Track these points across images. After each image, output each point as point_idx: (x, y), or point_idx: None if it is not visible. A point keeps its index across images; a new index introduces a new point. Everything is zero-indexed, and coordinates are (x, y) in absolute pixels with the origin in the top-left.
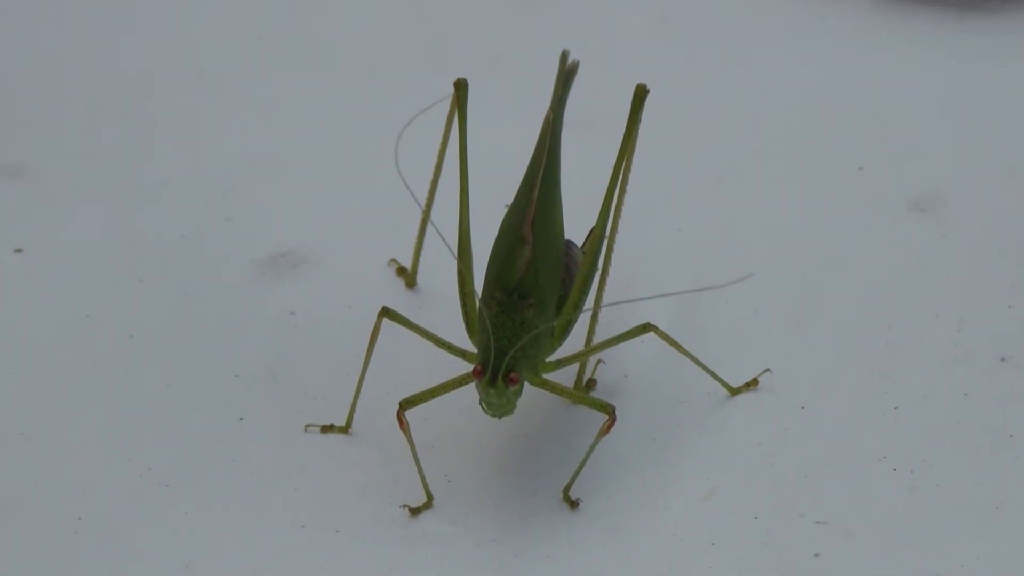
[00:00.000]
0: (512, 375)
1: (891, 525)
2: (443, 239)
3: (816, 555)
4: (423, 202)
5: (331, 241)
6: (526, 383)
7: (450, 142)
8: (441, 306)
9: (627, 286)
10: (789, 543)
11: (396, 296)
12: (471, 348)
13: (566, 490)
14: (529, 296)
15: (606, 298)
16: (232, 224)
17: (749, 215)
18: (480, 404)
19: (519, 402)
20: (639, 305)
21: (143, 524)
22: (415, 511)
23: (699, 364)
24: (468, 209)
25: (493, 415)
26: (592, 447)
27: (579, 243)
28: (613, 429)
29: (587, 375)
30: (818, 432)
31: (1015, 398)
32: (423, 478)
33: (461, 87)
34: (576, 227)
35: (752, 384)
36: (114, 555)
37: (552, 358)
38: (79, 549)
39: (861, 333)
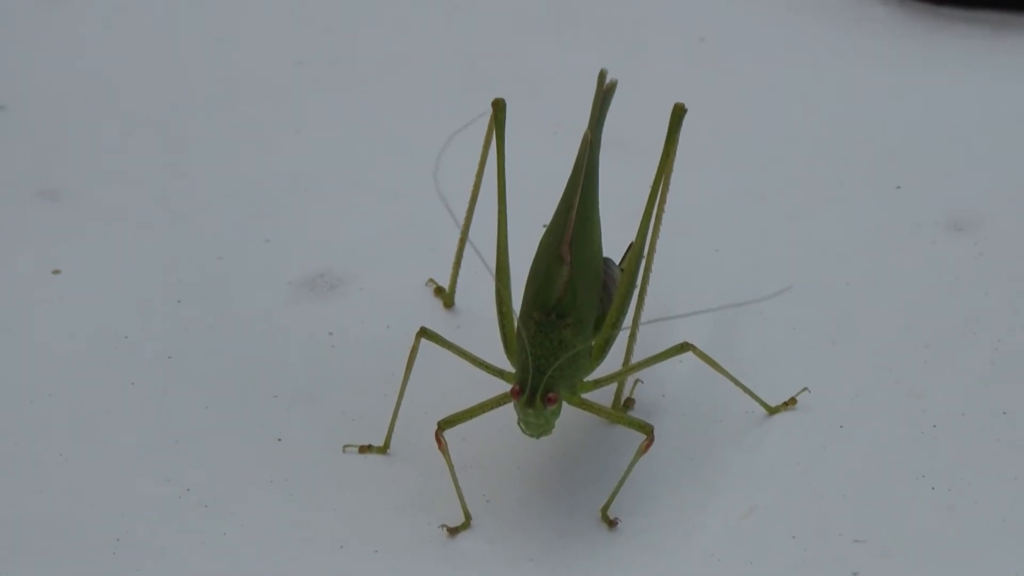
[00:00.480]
0: (550, 395)
1: (929, 544)
2: (482, 259)
3: (854, 574)
4: (461, 222)
5: (369, 262)
6: (564, 403)
7: (488, 163)
8: (479, 326)
9: (665, 305)
10: (827, 562)
11: (434, 316)
12: (509, 368)
13: (604, 509)
14: (567, 315)
15: (644, 317)
16: (270, 246)
17: (786, 234)
18: (518, 424)
19: (557, 422)
20: (676, 324)
21: (182, 545)
22: (453, 531)
23: (737, 383)
24: (506, 229)
25: (531, 435)
26: (630, 466)
27: (617, 261)
28: (651, 448)
29: (625, 394)
30: (856, 451)
31: None
32: (461, 498)
33: (499, 107)
34: (614, 246)
35: (790, 403)
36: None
37: (590, 378)
38: (118, 571)
39: (898, 352)
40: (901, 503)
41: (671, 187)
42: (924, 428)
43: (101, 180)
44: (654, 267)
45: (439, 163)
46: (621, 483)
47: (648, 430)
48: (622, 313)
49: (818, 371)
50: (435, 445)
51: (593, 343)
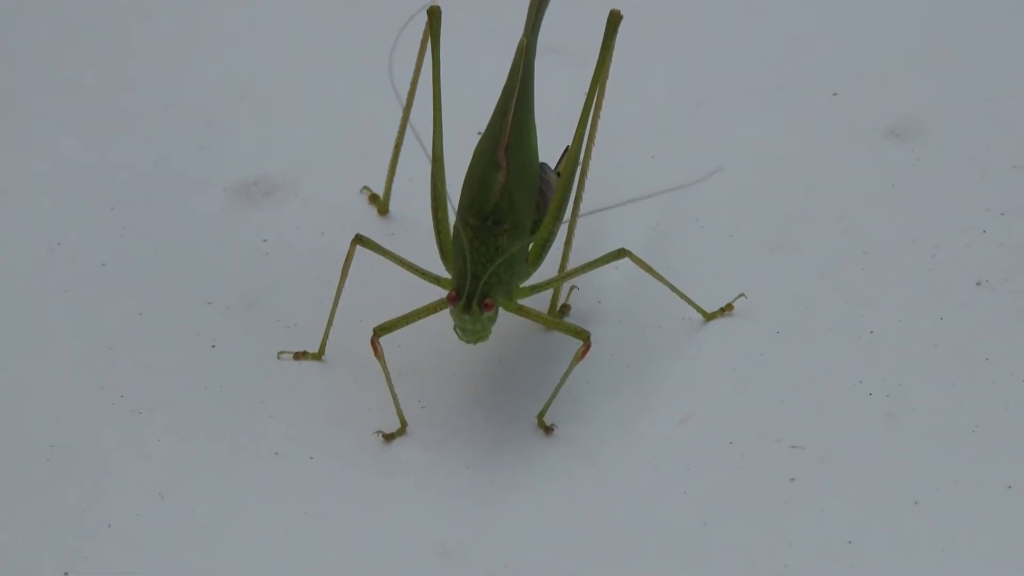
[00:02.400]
0: (487, 301)
1: (867, 449)
2: (422, 145)
3: (792, 480)
4: (400, 129)
5: (304, 169)
6: (500, 309)
7: (423, 69)
8: (414, 233)
9: (601, 212)
10: (764, 468)
11: (369, 223)
12: (445, 274)
13: (540, 416)
14: (504, 221)
15: (580, 218)
16: (205, 152)
17: (724, 141)
18: (454, 330)
19: (493, 328)
20: (613, 231)
21: (116, 452)
22: (389, 437)
23: (673, 289)
24: (442, 135)
25: (467, 341)
26: (567, 373)
27: (552, 166)
28: (588, 355)
29: (561, 301)
30: (793, 357)
31: (990, 322)
32: (397, 405)
33: (434, 15)
34: (550, 152)
35: (727, 309)
36: (88, 483)
37: (526, 284)
38: (52, 477)
39: (837, 259)
40: (839, 410)
41: (607, 94)
42: (862, 334)
43: (36, 85)
44: (590, 174)
45: (375, 70)
46: (557, 390)
47: (584, 336)
48: (558, 219)
49: (756, 278)
50: (371, 352)
51: (529, 249)
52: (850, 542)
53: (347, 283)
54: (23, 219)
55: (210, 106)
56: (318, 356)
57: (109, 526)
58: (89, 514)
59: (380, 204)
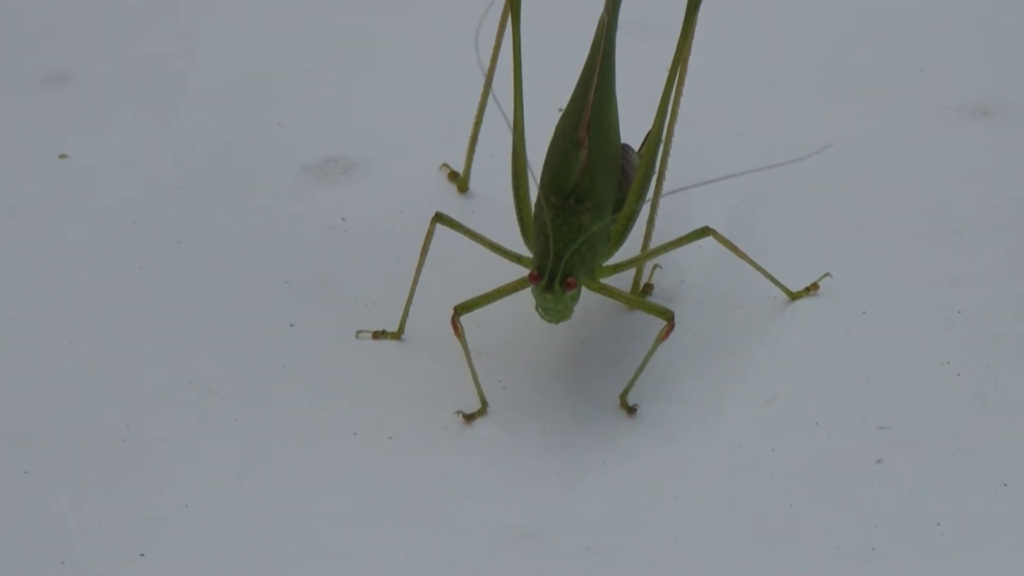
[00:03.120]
0: (569, 279)
1: (955, 432)
2: (505, 119)
3: (878, 461)
4: (480, 105)
5: (382, 146)
6: (583, 288)
7: (503, 46)
8: (495, 211)
9: (684, 191)
10: (851, 450)
11: (449, 201)
12: (526, 253)
13: (623, 396)
14: (586, 200)
15: (663, 198)
16: (282, 130)
17: (808, 120)
18: (536, 309)
19: (575, 307)
20: (697, 210)
21: (192, 432)
22: (469, 418)
23: (758, 268)
24: (522, 112)
25: (549, 320)
26: (650, 353)
27: (636, 147)
28: (671, 335)
29: (644, 280)
30: (880, 337)
31: None
32: (477, 384)
33: None
34: (632, 132)
35: (812, 289)
36: (163, 464)
37: (609, 263)
38: (126, 458)
39: (924, 238)
40: (926, 390)
41: (689, 71)
42: (950, 314)
43: (110, 64)
44: (673, 151)
45: (454, 47)
46: (640, 370)
47: (668, 316)
48: (641, 197)
49: (842, 257)
50: (451, 331)
51: (612, 228)
52: (938, 524)
53: (427, 262)
54: (97, 198)
55: (285, 82)
56: (397, 335)
57: (186, 507)
58: (165, 496)
59: (460, 181)
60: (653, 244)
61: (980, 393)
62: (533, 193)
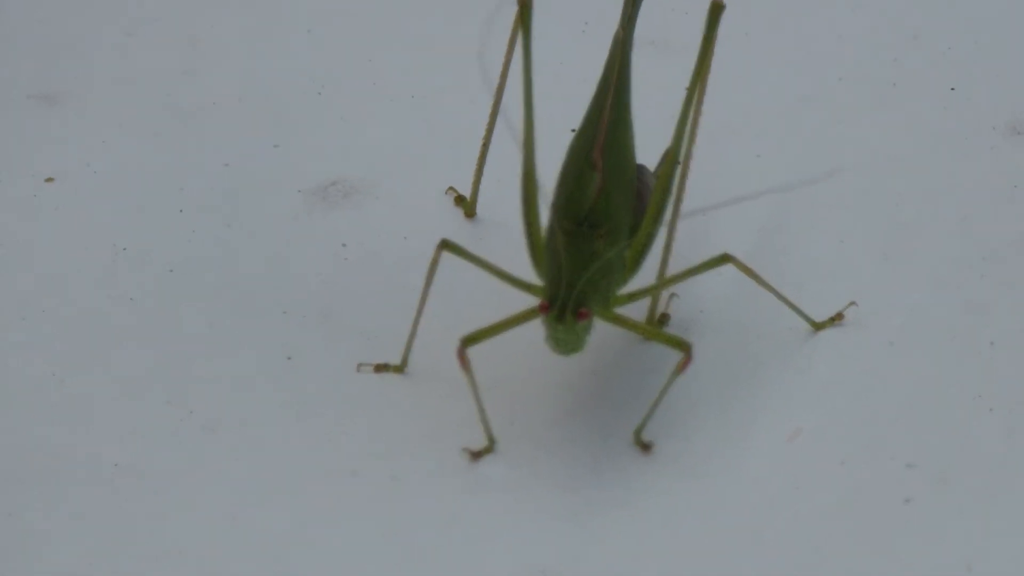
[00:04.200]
0: (582, 309)
1: (988, 469)
2: (515, 140)
3: (907, 501)
4: (488, 126)
5: (385, 169)
6: (596, 318)
7: (513, 63)
8: (504, 237)
9: (703, 214)
10: (878, 488)
11: (455, 227)
12: (536, 281)
13: (638, 432)
14: (600, 225)
15: (681, 222)
16: (280, 151)
17: (833, 140)
18: (546, 341)
19: (588, 339)
20: (716, 234)
21: (185, 472)
22: (476, 455)
23: (780, 297)
24: (533, 133)
25: (560, 353)
26: (666, 386)
27: (652, 168)
28: (689, 367)
29: (660, 310)
30: (909, 370)
31: None
32: (485, 420)
33: (526, 6)
34: (648, 153)
35: (837, 319)
36: (154, 505)
37: (623, 291)
38: (117, 499)
39: (954, 264)
40: (957, 426)
41: (709, 89)
42: (981, 346)
43: (100, 82)
44: (691, 174)
45: (462, 64)
46: (656, 404)
47: (686, 347)
48: (657, 223)
49: (868, 285)
50: (457, 364)
51: (627, 254)
52: (969, 568)
53: (432, 291)
54: (85, 223)
55: (284, 102)
56: (400, 368)
57: (178, 552)
58: (156, 539)
59: (467, 206)
60: (670, 271)
61: (1014, 429)
62: (544, 218)
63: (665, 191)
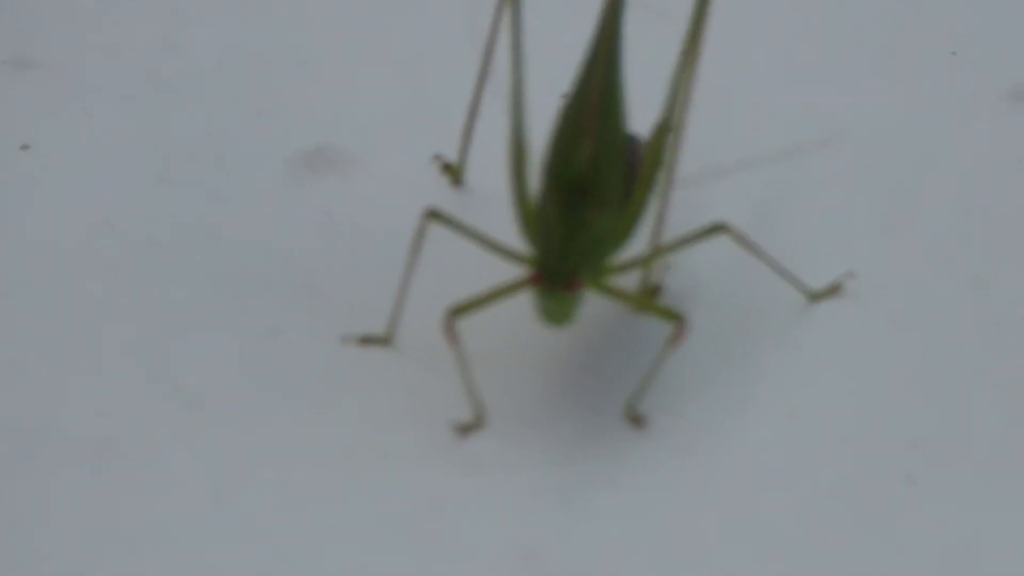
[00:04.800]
0: (573, 280)
1: (992, 448)
2: (502, 101)
3: (907, 480)
4: (475, 92)
5: (371, 137)
6: (587, 290)
7: (501, 27)
8: (492, 206)
9: (697, 182)
10: (878, 468)
11: (442, 196)
12: (526, 251)
13: (630, 407)
14: (591, 193)
15: (674, 191)
16: (263, 120)
17: (833, 107)
18: (536, 313)
19: (579, 311)
20: (711, 204)
21: (168, 449)
22: (465, 430)
23: (777, 268)
24: (522, 99)
25: (551, 325)
26: (659, 360)
27: (645, 137)
28: (682, 340)
29: (654, 281)
30: (910, 345)
31: None
32: (473, 394)
33: None
34: (640, 120)
35: (834, 289)
36: (138, 482)
37: (615, 261)
38: (99, 477)
39: (956, 236)
40: (960, 404)
41: (703, 55)
42: (986, 321)
43: (79, 48)
44: (685, 142)
45: (448, 28)
46: (649, 378)
47: (679, 319)
48: (650, 190)
49: (868, 258)
50: (444, 336)
51: (619, 224)
52: (970, 549)
53: (418, 262)
54: (62, 193)
55: (267, 69)
56: (385, 340)
57: (161, 530)
58: (139, 517)
59: (454, 174)
60: (663, 241)
61: (1016, 407)
62: (533, 186)
63: (657, 159)
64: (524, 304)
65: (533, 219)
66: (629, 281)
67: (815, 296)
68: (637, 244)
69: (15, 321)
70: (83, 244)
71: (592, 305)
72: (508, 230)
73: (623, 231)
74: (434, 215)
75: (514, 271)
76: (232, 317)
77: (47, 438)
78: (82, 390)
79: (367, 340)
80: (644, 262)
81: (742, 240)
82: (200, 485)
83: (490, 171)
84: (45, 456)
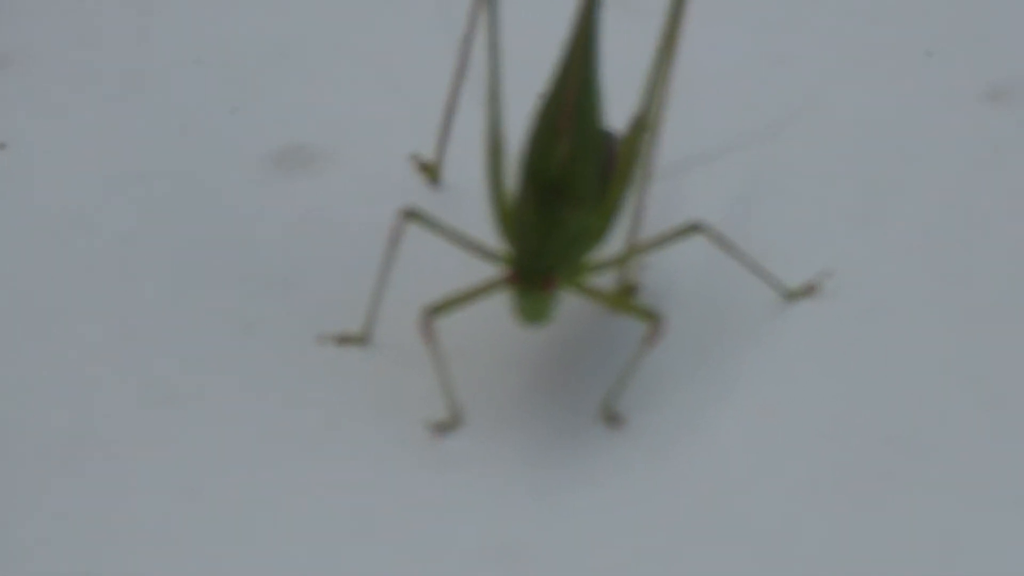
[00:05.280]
0: (549, 279)
1: (970, 442)
2: (479, 99)
3: (884, 476)
4: (451, 90)
5: (347, 135)
6: (563, 289)
7: (478, 25)
8: (468, 205)
9: (674, 179)
10: (855, 464)
11: (419, 194)
12: (502, 250)
13: (606, 406)
14: (567, 192)
15: (652, 187)
16: (238, 116)
17: (808, 104)
18: (512, 312)
19: (556, 310)
20: (688, 202)
21: (141, 446)
22: (440, 429)
23: (753, 267)
24: (499, 98)
25: (528, 324)
26: (635, 359)
27: (622, 131)
28: (659, 339)
29: (630, 280)
30: (886, 341)
31: None
32: (449, 394)
33: None
34: (617, 117)
35: (810, 289)
36: (110, 479)
37: (592, 260)
38: (72, 474)
39: (933, 233)
40: (937, 399)
41: (680, 50)
42: (962, 317)
43: (51, 44)
44: (662, 139)
45: (424, 25)
46: (625, 377)
47: (656, 319)
48: (625, 187)
49: (844, 254)
50: (419, 335)
51: (595, 222)
52: (949, 544)
53: (395, 260)
54: (35, 190)
55: (242, 65)
56: (361, 339)
57: (134, 526)
58: (112, 514)
59: (431, 173)
60: (640, 240)
61: (996, 401)
62: (510, 185)
63: (633, 154)
64: (500, 303)
65: (510, 218)
66: (605, 280)
67: (791, 295)
68: (614, 242)
69: None
70: (56, 240)
71: (569, 304)
72: (485, 229)
73: (600, 229)
74: (411, 215)
75: (491, 270)
76: (204, 314)
77: (17, 435)
78: (54, 386)
79: (343, 339)
80: (620, 261)
81: (719, 240)
82: (174, 481)
83: (467, 170)
84: (16, 454)
